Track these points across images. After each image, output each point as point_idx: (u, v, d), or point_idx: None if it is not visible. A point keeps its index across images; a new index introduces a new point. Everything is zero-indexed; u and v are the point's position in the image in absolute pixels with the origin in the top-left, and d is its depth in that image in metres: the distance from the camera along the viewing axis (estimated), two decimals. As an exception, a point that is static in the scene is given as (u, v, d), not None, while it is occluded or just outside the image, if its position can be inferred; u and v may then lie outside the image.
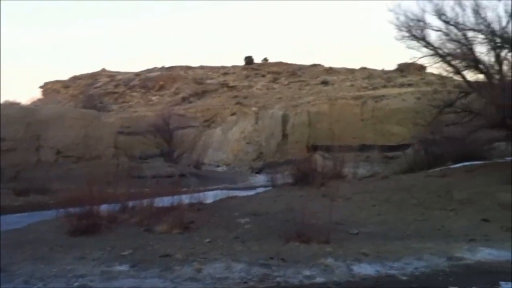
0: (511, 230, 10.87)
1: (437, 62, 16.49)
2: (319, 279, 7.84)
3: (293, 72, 42.85)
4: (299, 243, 9.45)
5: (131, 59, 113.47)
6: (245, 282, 7.49)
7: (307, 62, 44.51)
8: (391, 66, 37.53)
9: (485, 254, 9.37)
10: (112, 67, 68.23)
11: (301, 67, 44.24)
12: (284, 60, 47.49)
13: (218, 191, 16.23)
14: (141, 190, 14.24)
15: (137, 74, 54.92)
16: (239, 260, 8.37)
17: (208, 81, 47.88)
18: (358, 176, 19.73)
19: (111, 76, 55.94)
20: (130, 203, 12.16)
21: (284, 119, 34.94)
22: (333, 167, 19.16)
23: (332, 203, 12.02)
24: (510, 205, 12.78)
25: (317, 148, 26.32)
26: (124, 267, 7.99)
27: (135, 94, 49.63)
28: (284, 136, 34.73)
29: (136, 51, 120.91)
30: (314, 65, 44.01)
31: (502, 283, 8.20)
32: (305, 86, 38.30)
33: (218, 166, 34.37)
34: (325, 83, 37.73)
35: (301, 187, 15.60)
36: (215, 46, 75.78)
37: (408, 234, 10.61)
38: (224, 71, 50.76)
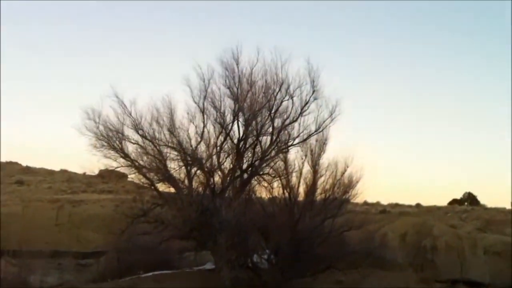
0: None
1: (133, 173, 17.03)
2: None
3: (-14, 168, 39.31)
4: None
5: None
6: None
7: (4, 159, 41.18)
8: (93, 171, 37.14)
9: None
10: None
11: (-4, 164, 40.87)
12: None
13: None
14: None
15: None
16: None
17: None
18: (47, 285, 18.46)
19: None
20: None
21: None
22: (18, 275, 17.61)
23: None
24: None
25: (3, 253, 23.87)
26: None
27: None
28: (-35, 238, 30.83)
29: None
30: (10, 163, 41.15)
31: None
32: (-2, 185, 35.29)
33: None
34: (20, 183, 35.29)
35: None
36: None
37: None
38: None
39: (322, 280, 16.87)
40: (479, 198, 35.05)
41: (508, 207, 29.84)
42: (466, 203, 34.08)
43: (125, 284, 16.70)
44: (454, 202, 34.59)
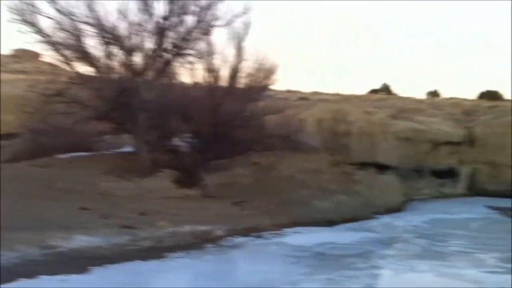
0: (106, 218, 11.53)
1: (48, 50, 16.22)
2: None
3: None
4: None
5: None
6: None
7: None
8: (5, 50, 35.01)
9: (79, 241, 9.70)
10: None
11: None
12: None
13: None
14: None
15: None
16: None
17: None
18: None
19: None
20: None
21: None
22: None
23: None
24: (110, 193, 13.59)
25: None
26: None
27: None
28: None
29: None
30: None
31: (91, 267, 8.66)
32: None
33: None
34: None
35: None
36: None
37: (4, 226, 10.10)
38: None
39: (239, 162, 17.28)
40: (394, 88, 36.90)
41: (420, 96, 31.84)
42: (383, 93, 35.48)
43: (40, 164, 16.44)
44: (372, 92, 35.87)
